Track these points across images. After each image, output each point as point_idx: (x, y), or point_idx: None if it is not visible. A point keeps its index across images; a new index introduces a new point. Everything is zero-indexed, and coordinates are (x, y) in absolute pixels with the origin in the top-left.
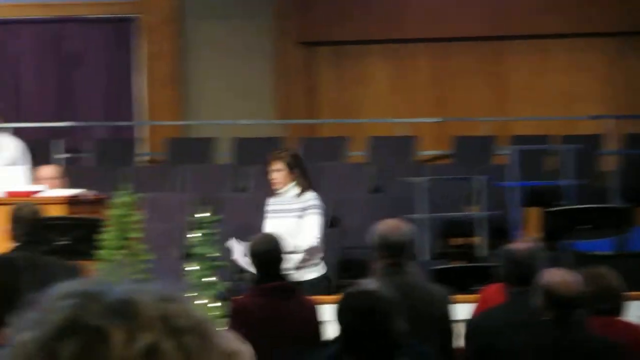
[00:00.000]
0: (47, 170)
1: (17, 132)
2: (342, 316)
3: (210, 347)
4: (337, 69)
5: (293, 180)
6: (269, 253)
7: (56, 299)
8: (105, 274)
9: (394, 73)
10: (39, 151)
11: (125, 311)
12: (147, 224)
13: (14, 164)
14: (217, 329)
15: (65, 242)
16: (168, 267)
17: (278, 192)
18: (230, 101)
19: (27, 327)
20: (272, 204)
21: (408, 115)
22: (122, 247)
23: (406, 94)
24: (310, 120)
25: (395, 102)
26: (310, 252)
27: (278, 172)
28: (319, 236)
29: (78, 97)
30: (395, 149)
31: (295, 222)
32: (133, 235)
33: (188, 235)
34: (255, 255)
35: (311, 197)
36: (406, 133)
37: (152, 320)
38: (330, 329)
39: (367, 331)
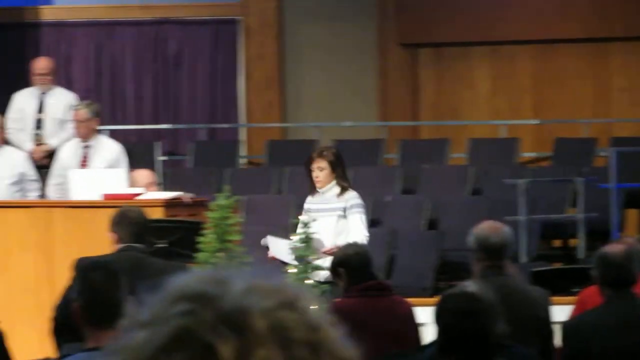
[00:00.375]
0: (142, 175)
1: (117, 134)
2: (441, 317)
3: (325, 358)
4: (438, 71)
5: (334, 179)
6: (359, 255)
7: (169, 303)
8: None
9: (495, 74)
10: (139, 154)
11: (237, 323)
12: (246, 227)
13: (112, 166)
14: (334, 334)
15: (164, 245)
16: (267, 269)
17: (319, 190)
18: (331, 103)
19: (136, 332)
20: (312, 202)
21: (509, 117)
22: (221, 250)
23: (507, 95)
24: (411, 122)
25: (496, 104)
26: None
27: (321, 170)
28: (367, 234)
29: (178, 99)
30: (495, 151)
31: (336, 221)
32: (232, 237)
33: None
34: (345, 260)
35: (353, 197)
36: (507, 135)
37: (264, 333)
38: (426, 332)
39: (465, 333)
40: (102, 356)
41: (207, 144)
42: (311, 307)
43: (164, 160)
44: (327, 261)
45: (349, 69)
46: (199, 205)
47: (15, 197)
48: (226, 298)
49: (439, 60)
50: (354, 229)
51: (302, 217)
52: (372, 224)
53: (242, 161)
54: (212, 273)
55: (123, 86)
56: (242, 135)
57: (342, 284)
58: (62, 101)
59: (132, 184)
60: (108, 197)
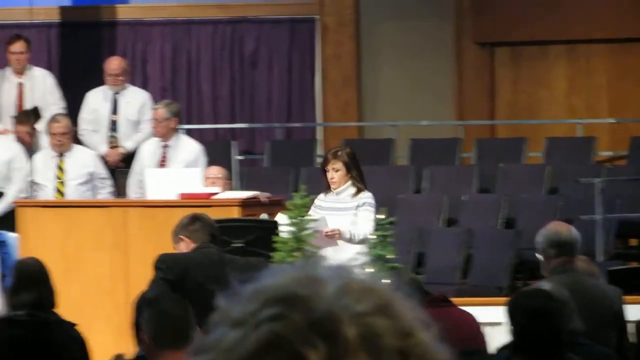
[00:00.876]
0: (212, 171)
1: (193, 134)
2: (515, 317)
3: None
4: (514, 70)
5: (349, 180)
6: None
7: (260, 304)
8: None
9: (571, 73)
10: (215, 153)
11: (328, 330)
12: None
13: (191, 166)
14: (426, 338)
15: (241, 244)
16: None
17: (334, 190)
18: (407, 102)
19: (227, 330)
20: (324, 200)
21: (585, 115)
22: (297, 250)
23: (583, 94)
24: (487, 121)
25: (573, 103)
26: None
27: (336, 171)
28: (372, 232)
29: (254, 98)
30: (572, 150)
31: (351, 220)
32: (308, 237)
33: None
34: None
35: (367, 196)
36: (583, 134)
37: (355, 341)
38: (496, 331)
39: (540, 332)
40: (191, 352)
41: (284, 143)
42: (405, 309)
43: (240, 160)
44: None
45: (426, 68)
46: (276, 204)
47: (86, 197)
48: (318, 301)
49: (516, 59)
50: (360, 224)
51: (311, 214)
52: (449, 223)
53: (319, 160)
54: (305, 271)
55: (199, 85)
56: (319, 134)
57: None
58: (136, 101)
59: (204, 180)
60: (184, 196)
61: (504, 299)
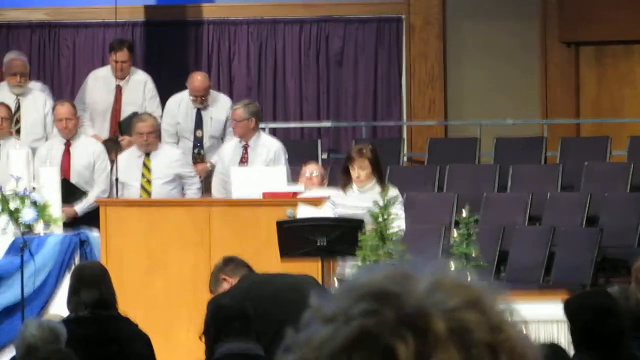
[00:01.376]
0: (310, 167)
1: (279, 132)
2: (580, 315)
3: (504, 358)
4: (599, 69)
5: (373, 177)
6: None
7: (353, 299)
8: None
9: None
10: (301, 151)
11: (418, 325)
12: (407, 224)
13: (271, 164)
14: (516, 333)
15: (324, 243)
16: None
17: (361, 189)
18: (492, 101)
19: (320, 326)
20: (348, 197)
21: None
22: (381, 247)
23: None
24: (572, 120)
25: None
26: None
27: (363, 170)
28: (404, 227)
29: (340, 97)
30: None
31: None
32: (393, 235)
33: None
34: None
35: (396, 193)
36: None
37: (445, 335)
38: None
39: (606, 327)
40: (282, 348)
41: (369, 141)
42: (495, 304)
43: (325, 158)
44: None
45: (511, 67)
46: None
47: (172, 195)
48: (409, 297)
49: (600, 58)
50: (395, 221)
51: (326, 209)
52: (532, 220)
53: (405, 159)
54: (397, 268)
55: (285, 84)
56: (404, 133)
57: None
58: (220, 114)
59: (299, 177)
60: (267, 195)
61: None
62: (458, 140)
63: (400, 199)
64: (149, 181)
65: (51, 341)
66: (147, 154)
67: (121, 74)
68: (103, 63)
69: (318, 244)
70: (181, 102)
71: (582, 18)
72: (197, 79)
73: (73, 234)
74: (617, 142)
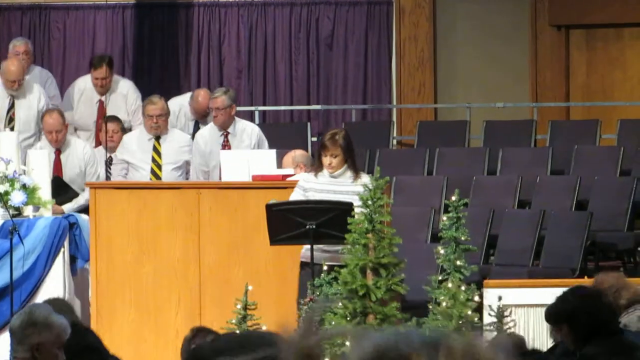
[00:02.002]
0: (293, 155)
1: (268, 115)
2: (576, 313)
3: None
4: (589, 52)
5: (345, 164)
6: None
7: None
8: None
9: None
10: (291, 134)
11: (433, 344)
12: (396, 208)
13: (256, 148)
14: None
15: (315, 226)
16: (416, 250)
17: (333, 175)
18: (482, 84)
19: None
20: (319, 182)
21: None
22: (371, 231)
23: None
24: (562, 103)
25: None
26: None
27: (334, 157)
28: None
29: (330, 80)
30: None
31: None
32: (382, 218)
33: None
34: None
35: (368, 181)
36: None
37: (455, 351)
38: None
39: (599, 311)
40: None
41: (359, 124)
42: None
43: (315, 141)
44: None
45: (501, 50)
46: None
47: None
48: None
49: (590, 42)
50: None
51: (295, 194)
52: (522, 204)
53: (394, 142)
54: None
55: (275, 67)
56: (394, 116)
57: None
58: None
59: (284, 164)
60: (256, 178)
61: (576, 281)
62: (448, 124)
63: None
64: (159, 166)
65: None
66: (157, 138)
67: (102, 90)
68: (93, 46)
69: (307, 227)
70: (207, 137)
71: (573, 1)
72: (203, 95)
73: (62, 216)
74: (607, 125)
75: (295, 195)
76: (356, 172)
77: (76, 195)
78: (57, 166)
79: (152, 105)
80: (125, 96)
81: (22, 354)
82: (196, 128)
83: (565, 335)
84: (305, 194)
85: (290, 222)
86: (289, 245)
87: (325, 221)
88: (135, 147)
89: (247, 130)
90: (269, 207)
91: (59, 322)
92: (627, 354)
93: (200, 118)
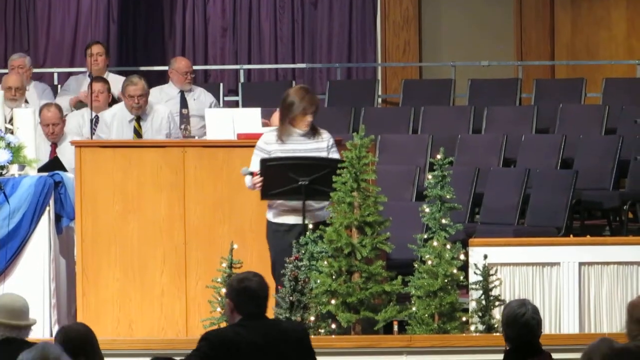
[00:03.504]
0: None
1: (254, 74)
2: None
3: None
4: (574, 11)
5: None
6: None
7: None
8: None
9: (631, 15)
10: (276, 93)
11: None
12: (381, 166)
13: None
14: None
15: (308, 182)
16: (402, 209)
17: (301, 133)
18: (467, 43)
19: None
20: (277, 144)
21: None
22: (356, 189)
23: None
24: (547, 62)
25: (632, 44)
26: None
27: (311, 117)
28: None
29: (315, 39)
30: (631, 91)
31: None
32: (367, 177)
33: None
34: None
35: (329, 136)
36: None
37: None
38: (553, 272)
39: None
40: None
41: (343, 83)
42: None
43: None
44: None
45: (486, 8)
46: (335, 144)
47: None
48: None
49: (576, 1)
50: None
51: (257, 159)
52: (507, 162)
53: (379, 100)
54: None
55: (260, 25)
56: (379, 74)
57: None
58: (203, 101)
59: (273, 122)
60: (241, 136)
61: (561, 239)
62: (432, 82)
63: (333, 141)
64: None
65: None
66: (138, 119)
67: (99, 71)
68: (78, 4)
69: (300, 183)
70: (165, 88)
71: None
72: (182, 60)
73: (47, 175)
74: (592, 84)
75: (255, 160)
76: (316, 128)
77: None
78: None
79: (133, 86)
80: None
81: None
82: (183, 100)
83: None
84: (269, 155)
85: (284, 177)
86: (280, 200)
87: (317, 178)
88: (117, 129)
89: (203, 97)
90: (263, 162)
91: None
92: None
93: (183, 82)
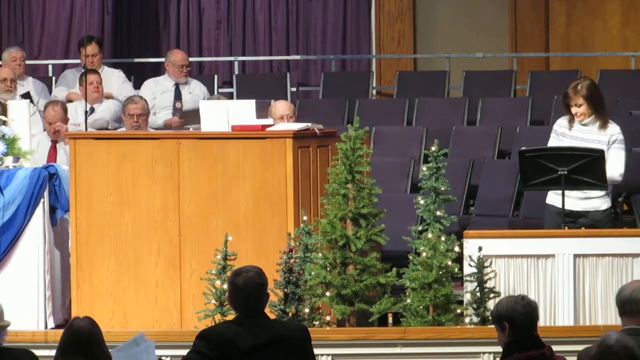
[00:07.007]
0: (280, 106)
1: (248, 65)
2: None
3: None
4: (568, 2)
5: (593, 112)
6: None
7: None
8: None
9: (626, 6)
10: (271, 84)
11: None
12: (376, 158)
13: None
14: None
15: (567, 172)
16: (396, 201)
17: (583, 123)
18: (462, 34)
19: None
20: (572, 128)
21: (639, 48)
22: (351, 181)
23: (638, 27)
24: (541, 54)
25: (627, 36)
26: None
27: (579, 107)
28: (622, 172)
29: (309, 30)
30: (625, 83)
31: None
32: (361, 169)
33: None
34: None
35: (617, 131)
36: (636, 67)
37: None
38: (548, 264)
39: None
40: None
41: (338, 74)
42: None
43: (294, 91)
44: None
45: (480, 0)
46: (329, 136)
47: None
48: None
49: None
50: (611, 163)
51: (552, 140)
52: (501, 154)
53: (373, 92)
54: None
55: (254, 17)
56: (373, 66)
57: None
58: (198, 94)
59: (270, 114)
60: (236, 128)
61: (556, 231)
62: (427, 74)
63: (620, 137)
64: None
65: None
66: None
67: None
68: None
69: (559, 172)
70: (161, 79)
71: None
72: (179, 52)
73: (42, 167)
74: (586, 75)
75: (552, 141)
76: (604, 121)
77: None
78: (52, 157)
79: (133, 105)
80: (110, 75)
81: None
82: (177, 93)
83: None
84: (559, 138)
85: (542, 167)
86: (540, 190)
87: (576, 167)
88: None
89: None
90: (521, 153)
91: None
92: None
93: (178, 75)
